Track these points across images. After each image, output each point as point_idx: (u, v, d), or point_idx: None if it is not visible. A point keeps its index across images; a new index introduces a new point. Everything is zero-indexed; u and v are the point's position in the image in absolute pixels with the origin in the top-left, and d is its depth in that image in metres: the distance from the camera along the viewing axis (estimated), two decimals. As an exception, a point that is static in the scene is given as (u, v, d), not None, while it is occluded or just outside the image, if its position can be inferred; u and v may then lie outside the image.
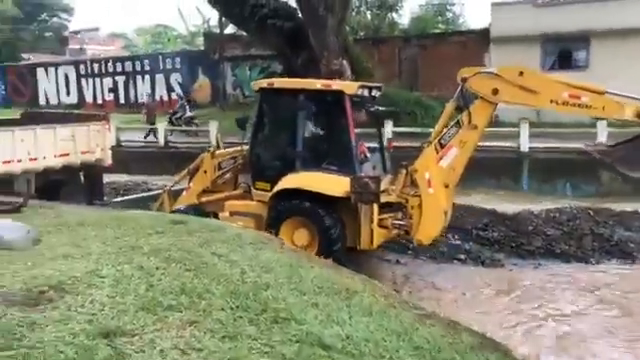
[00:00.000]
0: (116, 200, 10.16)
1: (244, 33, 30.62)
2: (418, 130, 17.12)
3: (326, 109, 8.58)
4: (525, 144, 14.86)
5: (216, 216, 8.83)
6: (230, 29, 28.34)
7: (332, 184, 7.91)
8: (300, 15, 18.11)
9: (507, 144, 15.28)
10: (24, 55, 40.55)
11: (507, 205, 11.93)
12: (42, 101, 31.18)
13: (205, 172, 9.45)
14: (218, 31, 26.73)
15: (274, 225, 7.99)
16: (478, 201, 12.45)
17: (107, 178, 13.64)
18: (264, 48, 26.11)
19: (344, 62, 17.53)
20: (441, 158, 7.74)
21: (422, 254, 9.51)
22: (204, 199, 9.39)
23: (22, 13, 46.71)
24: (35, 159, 10.34)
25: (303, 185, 7.90)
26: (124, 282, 4.09)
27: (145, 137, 19.91)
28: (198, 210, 9.06)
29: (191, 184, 9.67)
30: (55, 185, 11.03)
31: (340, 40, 17.41)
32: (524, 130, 14.91)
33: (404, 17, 31.34)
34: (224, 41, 26.09)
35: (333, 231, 7.80)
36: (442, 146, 7.77)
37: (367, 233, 7.87)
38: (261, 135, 8.86)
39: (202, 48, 30.31)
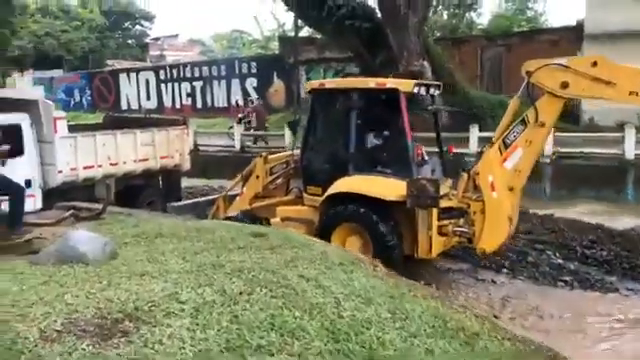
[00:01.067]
0: (174, 205, 9.91)
1: (319, 36, 30.55)
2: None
3: (380, 109, 7.98)
4: (630, 151, 13.37)
5: (268, 222, 8.48)
6: (305, 32, 28.12)
7: (387, 188, 7.35)
8: (379, 15, 17.42)
9: (609, 151, 13.85)
10: (108, 62, 42.45)
11: (613, 219, 10.68)
12: (124, 106, 32.30)
13: (257, 177, 9.08)
14: (293, 34, 26.56)
15: (326, 231, 7.50)
16: (579, 214, 11.26)
17: (185, 182, 13.60)
18: (339, 50, 25.67)
19: (425, 63, 16.67)
20: (505, 159, 7.00)
21: (520, 274, 8.54)
22: (256, 204, 9.01)
23: (107, 22, 49.09)
24: (115, 164, 10.31)
25: (356, 189, 7.38)
26: (205, 311, 3.60)
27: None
28: (250, 216, 8.77)
29: (244, 189, 9.27)
30: (134, 190, 11.00)
31: (421, 40, 16.57)
32: (629, 135, 13.44)
33: (483, 17, 30.02)
34: (299, 44, 25.83)
35: (389, 238, 7.19)
36: (506, 146, 7.00)
37: (425, 240, 7.26)
38: (312, 138, 8.44)
39: (277, 52, 30.24)
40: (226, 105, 28.52)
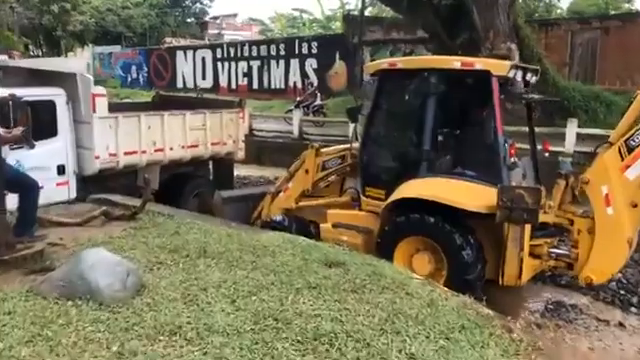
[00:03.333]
0: (223, 194, 8.53)
1: (386, 15, 28.59)
2: (601, 132, 13.73)
3: (466, 96, 6.39)
4: None
5: (317, 226, 7.15)
6: (370, 12, 26.27)
7: (469, 195, 5.80)
8: (462, -10, 15.39)
9: None
10: (167, 39, 41.90)
11: None
12: (180, 84, 31.46)
13: (307, 172, 7.60)
14: (357, 13, 24.80)
15: (388, 244, 6.02)
16: None
17: (238, 171, 12.24)
18: (408, 31, 23.73)
19: (512, 46, 14.57)
20: (628, 167, 5.44)
21: (654, 313, 6.67)
22: (303, 203, 7.61)
23: (168, -1, 48.60)
24: (161, 150, 9.01)
25: (429, 195, 5.78)
26: None
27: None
28: (296, 220, 7.49)
29: (289, 185, 7.86)
30: (181, 179, 9.69)
31: (510, 20, 14.48)
32: None
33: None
34: (364, 24, 24.02)
35: (467, 255, 5.64)
36: (630, 150, 5.42)
37: (514, 264, 5.65)
38: (376, 129, 6.85)
39: (339, 32, 28.54)
40: (283, 87, 27.11)
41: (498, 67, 5.92)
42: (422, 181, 6.06)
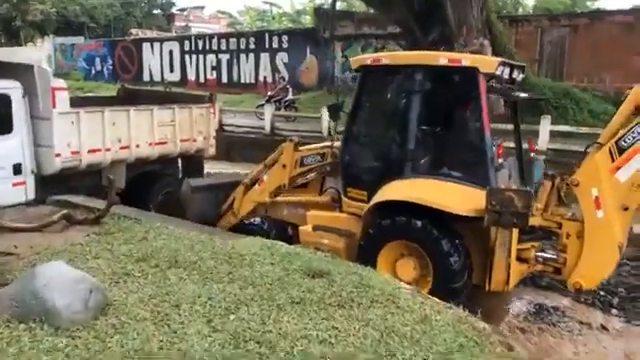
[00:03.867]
0: (192, 182, 8.10)
1: (357, 10, 28.31)
2: (572, 129, 13.83)
3: (452, 93, 6.13)
4: None
5: (295, 229, 6.83)
6: (340, 7, 25.98)
7: (456, 198, 5.55)
8: (435, -15, 15.24)
9: None
10: (132, 31, 40.73)
11: None
12: (146, 77, 30.57)
13: (284, 166, 7.21)
14: (328, 7, 24.46)
15: (371, 248, 5.74)
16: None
17: (207, 167, 11.78)
18: (378, 26, 23.55)
19: (485, 42, 14.55)
20: (618, 168, 5.29)
21: (636, 316, 6.59)
22: (279, 198, 7.23)
23: (133, -11, 47.26)
24: (127, 147, 8.52)
25: (415, 197, 5.52)
26: None
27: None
28: (276, 225, 7.21)
29: (264, 177, 7.46)
30: (148, 178, 9.20)
31: (483, 15, 14.40)
32: None
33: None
34: (335, 18, 23.70)
35: (454, 260, 5.41)
36: (621, 151, 5.27)
37: (502, 269, 5.46)
38: (359, 127, 6.55)
39: (310, 26, 28.16)
40: (254, 81, 26.61)
41: (486, 64, 5.68)
42: (407, 182, 5.79)
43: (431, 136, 6.05)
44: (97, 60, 33.77)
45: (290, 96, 20.24)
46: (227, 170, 13.26)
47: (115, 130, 8.28)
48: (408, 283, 5.12)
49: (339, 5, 25.54)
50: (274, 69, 25.83)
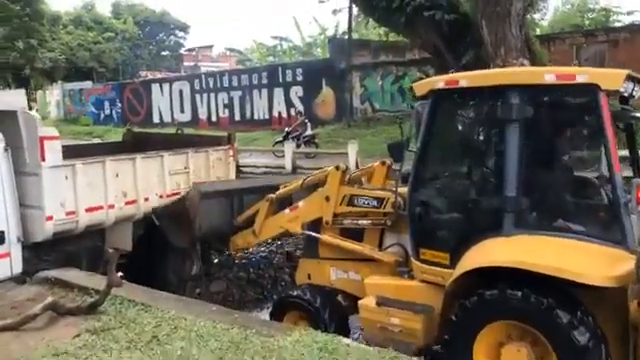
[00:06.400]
0: (200, 190, 6.76)
1: (372, 38, 27.26)
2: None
3: (564, 120, 4.73)
4: None
5: (350, 298, 5.59)
6: (355, 34, 24.97)
7: (585, 261, 4.03)
8: (465, 4, 14.03)
9: None
10: (141, 73, 40.21)
11: None
12: (156, 119, 29.62)
13: (327, 199, 5.84)
14: (341, 37, 23.39)
15: (466, 329, 4.20)
16: None
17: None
18: (400, 53, 22.48)
19: (525, 62, 13.17)
20: None
21: None
22: (323, 236, 5.91)
23: (142, 33, 47.14)
24: (134, 202, 7.18)
25: (530, 263, 3.97)
26: None
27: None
28: (327, 297, 5.70)
29: (300, 204, 6.19)
30: (160, 234, 7.84)
31: (523, 34, 13.09)
32: None
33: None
34: (352, 47, 22.62)
35: (588, 346, 3.83)
36: None
37: None
38: (433, 170, 5.15)
39: (324, 57, 27.17)
40: (267, 117, 25.46)
41: (609, 79, 4.24)
42: (510, 240, 4.31)
43: (537, 177, 4.57)
44: (106, 104, 33.03)
45: (309, 131, 18.98)
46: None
47: (119, 182, 6.98)
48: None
49: (353, 34, 24.51)
50: (288, 104, 24.72)
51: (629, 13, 23.11)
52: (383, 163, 6.18)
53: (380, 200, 5.53)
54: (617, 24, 22.49)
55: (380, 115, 22.16)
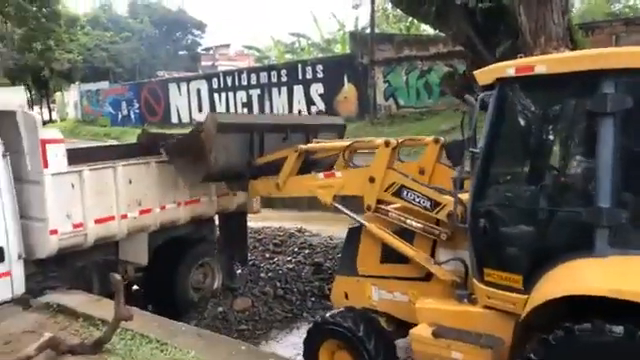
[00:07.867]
0: (217, 120, 5.88)
1: (395, 32, 26.38)
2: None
3: None
4: None
5: (401, 324, 4.79)
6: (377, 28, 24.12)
7: None
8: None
9: None
10: (158, 73, 39.81)
11: None
12: (174, 119, 29.12)
13: (372, 180, 4.99)
14: (362, 31, 22.56)
15: None
16: None
17: (250, 223, 9.67)
18: (424, 47, 21.59)
19: (567, 52, 12.17)
20: None
21: None
22: (361, 218, 5.21)
23: (158, 32, 46.84)
24: (149, 211, 6.47)
25: (631, 291, 3.18)
26: None
27: None
28: (370, 324, 4.86)
29: (338, 174, 5.48)
30: (178, 246, 7.15)
31: (565, 21, 12.10)
32: None
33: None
34: (374, 42, 21.78)
35: None
36: None
37: None
38: (502, 172, 4.33)
39: (346, 53, 26.36)
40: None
41: None
42: (606, 263, 3.47)
43: (638, 185, 3.71)
44: (123, 104, 32.63)
45: (331, 129, 18.16)
46: (271, 224, 11.08)
47: (132, 190, 6.27)
48: None
49: (375, 28, 23.68)
50: (309, 101, 23.96)
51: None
52: (436, 141, 5.28)
53: (435, 203, 4.70)
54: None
55: (405, 112, 21.32)
